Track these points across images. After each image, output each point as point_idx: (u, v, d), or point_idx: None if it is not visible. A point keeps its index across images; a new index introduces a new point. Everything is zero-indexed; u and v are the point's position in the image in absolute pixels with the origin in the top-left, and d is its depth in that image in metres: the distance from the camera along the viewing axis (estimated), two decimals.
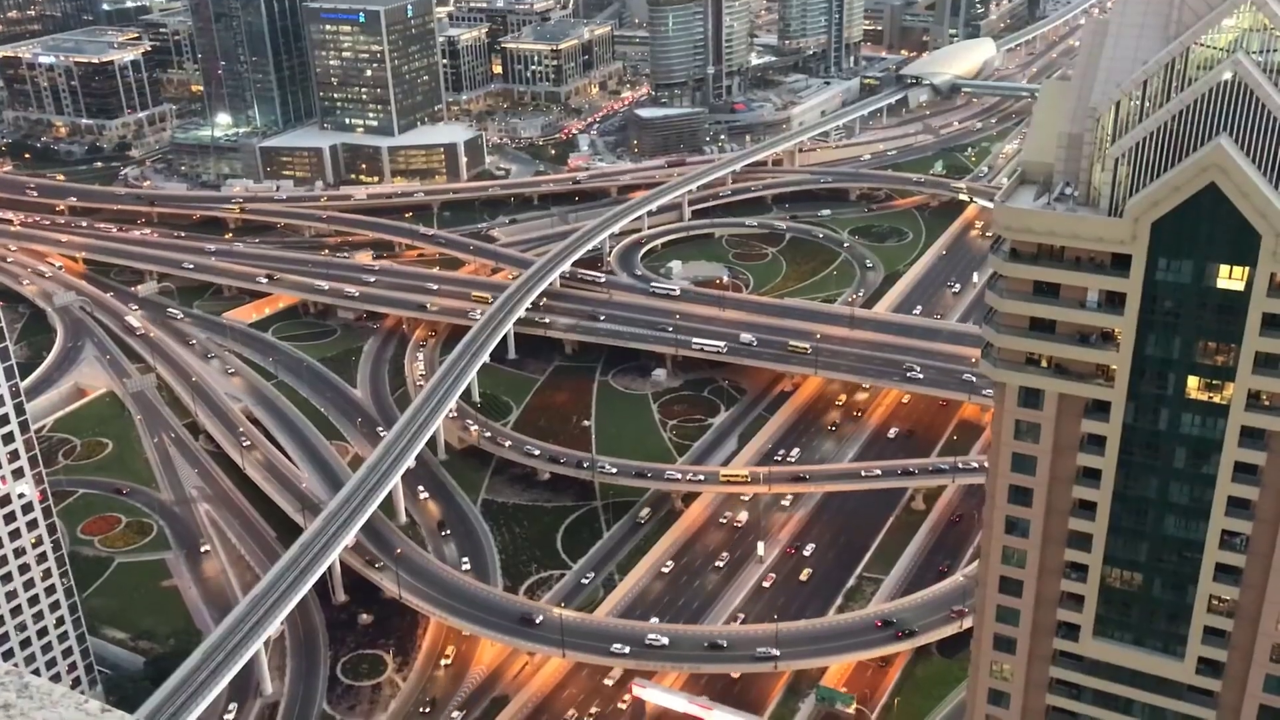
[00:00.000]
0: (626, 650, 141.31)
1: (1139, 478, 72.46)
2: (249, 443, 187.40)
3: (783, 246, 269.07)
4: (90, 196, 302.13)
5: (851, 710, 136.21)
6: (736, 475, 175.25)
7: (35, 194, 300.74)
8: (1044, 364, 72.37)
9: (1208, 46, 64.97)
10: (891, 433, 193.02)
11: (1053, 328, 71.04)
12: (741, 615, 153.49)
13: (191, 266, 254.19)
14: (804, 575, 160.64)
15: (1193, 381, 69.13)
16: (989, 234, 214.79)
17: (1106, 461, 72.22)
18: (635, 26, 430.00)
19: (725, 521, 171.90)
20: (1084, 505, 74.27)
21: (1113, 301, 68.67)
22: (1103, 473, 72.63)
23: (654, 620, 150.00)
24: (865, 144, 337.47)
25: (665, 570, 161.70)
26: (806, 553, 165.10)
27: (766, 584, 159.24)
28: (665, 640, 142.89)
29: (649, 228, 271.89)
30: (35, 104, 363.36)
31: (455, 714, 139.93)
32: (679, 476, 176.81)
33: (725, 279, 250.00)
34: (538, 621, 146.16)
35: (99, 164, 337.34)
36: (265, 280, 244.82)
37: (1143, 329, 68.45)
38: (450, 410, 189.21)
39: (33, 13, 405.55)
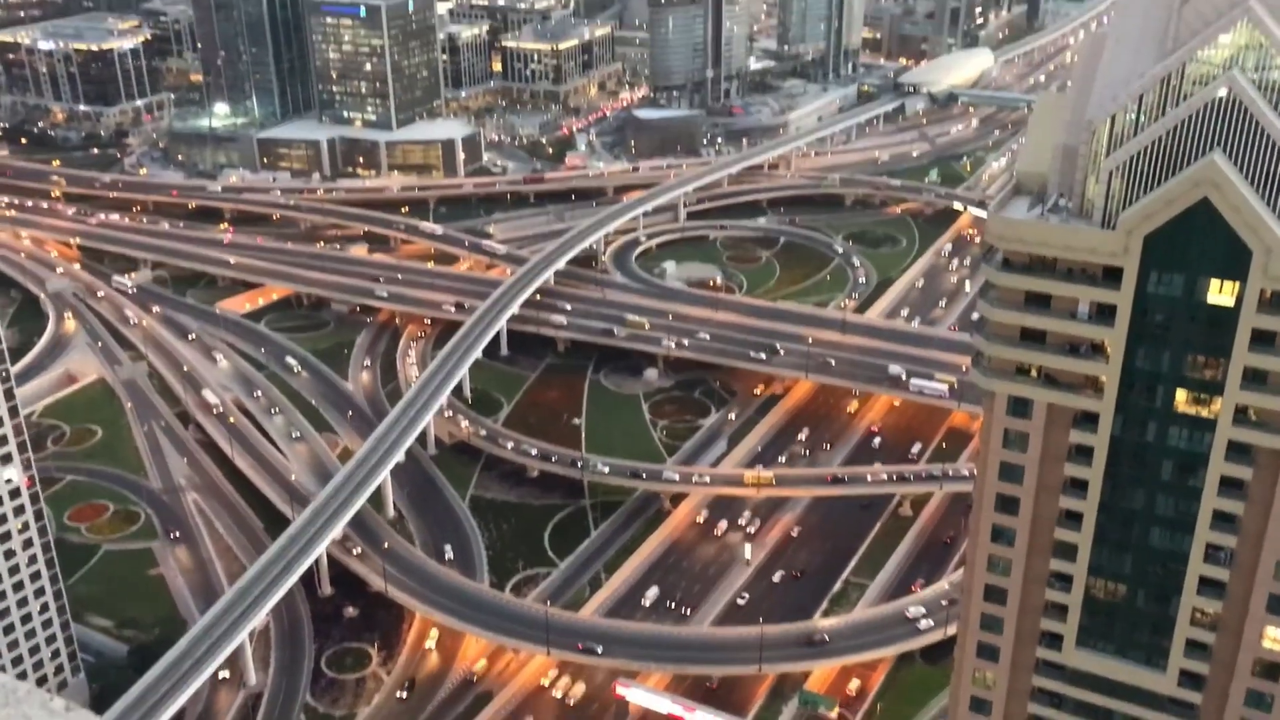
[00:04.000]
0: (603, 650, 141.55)
1: (1125, 490, 72.80)
2: (236, 427, 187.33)
3: (777, 250, 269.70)
4: (76, 182, 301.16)
5: (834, 715, 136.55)
6: (760, 477, 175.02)
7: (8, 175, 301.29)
8: (1034, 374, 72.67)
9: (1204, 63, 65.33)
10: (879, 440, 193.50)
11: (1043, 338, 71.32)
12: (745, 596, 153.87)
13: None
14: (790, 578, 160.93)
15: (1181, 395, 69.47)
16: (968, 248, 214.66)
17: (1093, 472, 72.57)
18: (635, 28, 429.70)
19: (712, 523, 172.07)
20: (1070, 515, 74.60)
21: (1103, 313, 68.99)
22: (1089, 484, 72.97)
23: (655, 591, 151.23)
24: (862, 150, 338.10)
25: (652, 570, 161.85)
26: (793, 556, 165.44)
27: (751, 587, 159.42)
28: (650, 640, 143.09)
29: (645, 228, 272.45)
30: (33, 89, 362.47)
31: (437, 708, 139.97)
32: (675, 478, 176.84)
33: (719, 281, 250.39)
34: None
35: (95, 150, 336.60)
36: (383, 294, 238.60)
37: (1132, 342, 68.78)
38: (442, 405, 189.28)
39: None
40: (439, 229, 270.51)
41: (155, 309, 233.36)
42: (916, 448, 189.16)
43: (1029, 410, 73.23)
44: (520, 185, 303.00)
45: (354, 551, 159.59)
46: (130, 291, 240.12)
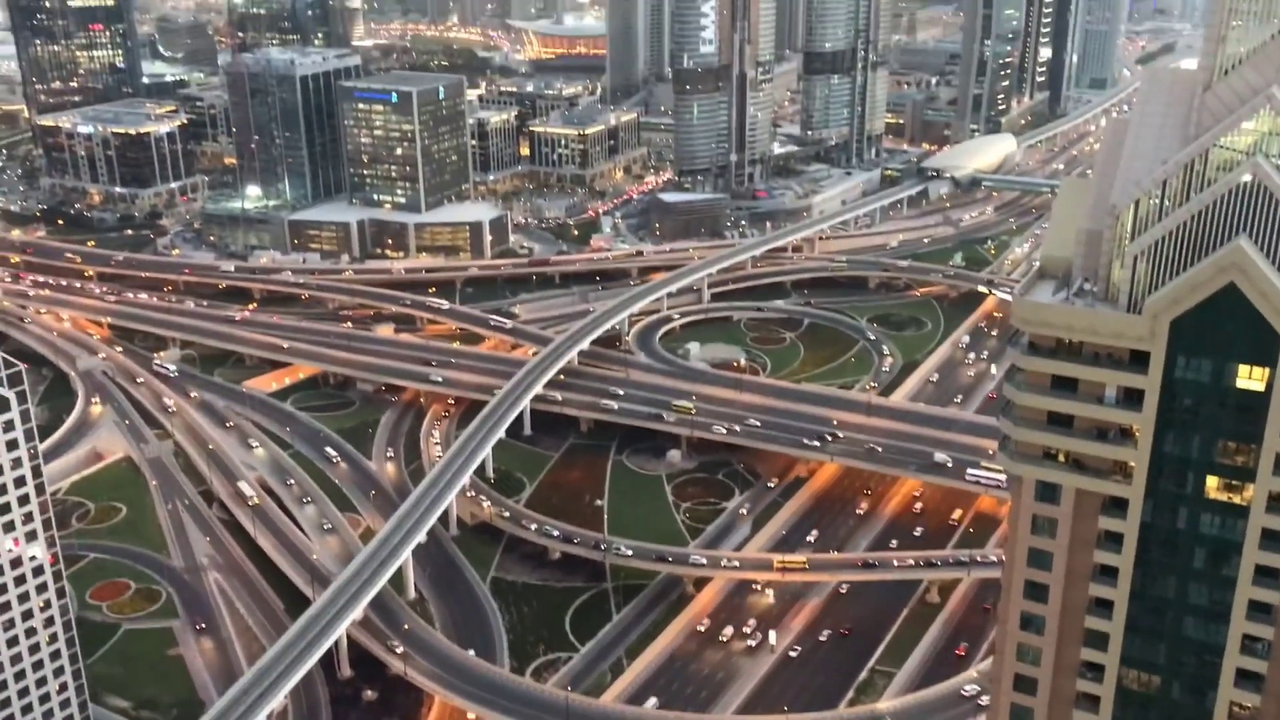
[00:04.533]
0: None
1: (1157, 577, 71.45)
2: (259, 510, 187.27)
3: (801, 331, 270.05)
4: (91, 260, 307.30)
5: None
6: (792, 561, 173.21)
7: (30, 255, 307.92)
8: (1061, 459, 71.91)
9: (1227, 148, 65.60)
10: (907, 523, 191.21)
11: (1070, 422, 70.71)
12: (770, 682, 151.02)
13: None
14: (815, 666, 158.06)
15: (1212, 481, 68.48)
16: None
17: (1124, 559, 71.34)
18: (661, 114, 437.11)
19: (736, 607, 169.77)
20: (1101, 603, 73.17)
21: (1131, 398, 68.42)
22: (1120, 571, 71.68)
23: (653, 702, 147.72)
24: (886, 234, 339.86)
25: (674, 656, 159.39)
26: (819, 641, 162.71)
27: (776, 673, 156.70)
28: None
29: (668, 308, 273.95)
30: (72, 172, 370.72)
31: None
32: (704, 561, 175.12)
33: (743, 362, 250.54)
34: None
35: (129, 231, 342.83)
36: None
37: (1161, 427, 68.06)
38: (464, 486, 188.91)
39: (75, 84, 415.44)
40: (444, 304, 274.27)
41: (193, 394, 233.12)
42: (955, 513, 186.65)
43: (1057, 495, 72.33)
44: (546, 267, 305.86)
45: (380, 640, 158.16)
46: (173, 374, 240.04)
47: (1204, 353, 66.25)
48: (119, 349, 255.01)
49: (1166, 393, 67.35)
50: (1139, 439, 68.89)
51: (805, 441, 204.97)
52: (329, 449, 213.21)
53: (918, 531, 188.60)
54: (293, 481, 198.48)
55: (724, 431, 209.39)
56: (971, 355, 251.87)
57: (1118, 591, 72.12)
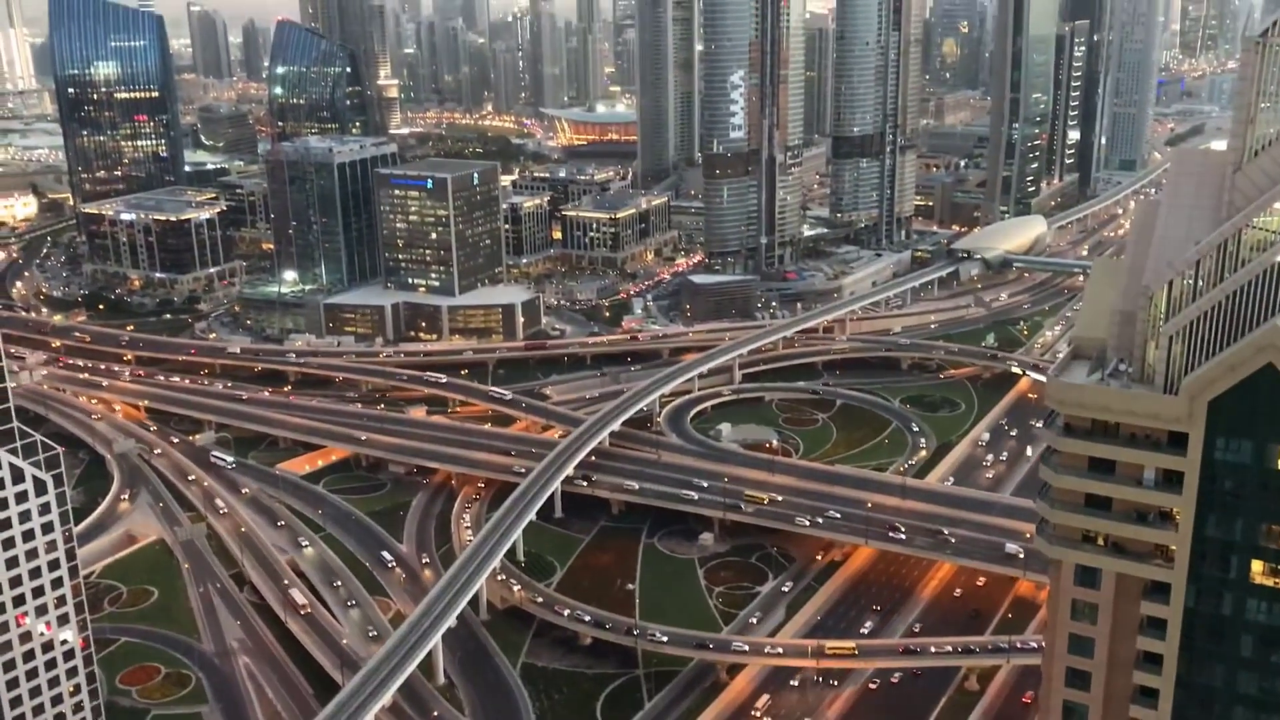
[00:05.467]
0: None
1: (1203, 665, 69.61)
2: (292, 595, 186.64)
3: (833, 413, 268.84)
4: (102, 340, 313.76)
5: None
6: (826, 647, 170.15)
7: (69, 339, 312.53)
8: (1101, 542, 70.73)
9: (1261, 229, 65.45)
10: (944, 608, 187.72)
11: (1109, 505, 69.71)
12: None
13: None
14: None
15: (1257, 565, 67.05)
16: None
17: (1168, 646, 69.62)
18: (691, 197, 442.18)
19: (771, 693, 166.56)
20: (1145, 692, 71.28)
21: (1170, 480, 67.45)
22: (1164, 658, 69.92)
23: None
24: (917, 315, 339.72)
25: None
26: None
27: None
28: None
29: (699, 389, 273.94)
30: (114, 258, 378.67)
31: None
32: (745, 648, 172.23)
33: (775, 443, 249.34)
34: None
35: (168, 316, 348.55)
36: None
37: (1202, 509, 66.93)
38: (495, 569, 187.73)
39: (119, 173, 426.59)
40: (441, 377, 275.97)
41: (243, 488, 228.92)
42: (994, 598, 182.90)
43: (1097, 580, 71.00)
44: (577, 348, 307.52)
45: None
46: (230, 467, 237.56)
47: (1244, 434, 65.37)
48: (153, 429, 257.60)
49: (1206, 475, 66.36)
50: (1180, 522, 67.72)
51: (811, 519, 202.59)
52: (385, 553, 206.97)
53: (956, 616, 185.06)
54: (339, 583, 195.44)
55: (806, 523, 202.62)
56: (990, 457, 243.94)
57: (1163, 680, 70.28)
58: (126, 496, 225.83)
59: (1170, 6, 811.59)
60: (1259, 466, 65.50)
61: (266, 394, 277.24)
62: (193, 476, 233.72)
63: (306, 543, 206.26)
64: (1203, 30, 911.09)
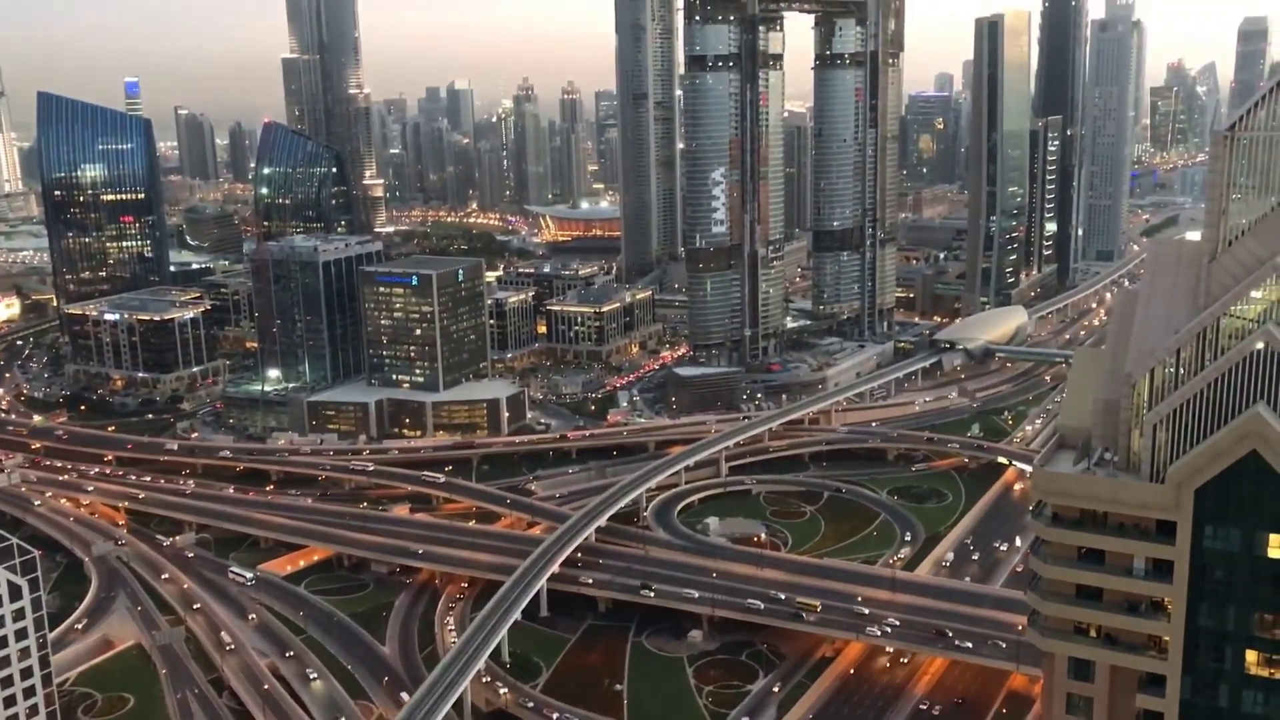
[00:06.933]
0: None
1: None
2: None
3: (821, 505, 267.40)
4: (82, 440, 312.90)
5: None
6: None
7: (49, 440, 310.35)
8: (1093, 634, 69.85)
9: (1238, 317, 66.06)
10: (938, 703, 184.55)
11: (1100, 595, 69.02)
12: None
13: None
14: None
15: (1251, 656, 66.20)
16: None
17: None
18: (675, 291, 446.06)
19: None
20: None
21: (1160, 569, 66.95)
22: None
23: None
24: (901, 405, 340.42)
25: None
26: None
27: None
28: None
29: (685, 483, 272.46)
30: (97, 358, 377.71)
31: None
32: None
33: (763, 536, 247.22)
34: None
35: (150, 415, 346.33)
36: None
37: (1193, 599, 66.30)
38: (479, 670, 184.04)
39: (104, 274, 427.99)
40: (440, 478, 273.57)
41: (255, 616, 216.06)
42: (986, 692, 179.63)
43: (1091, 672, 69.96)
44: (562, 442, 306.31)
45: None
46: (250, 583, 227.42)
47: (1231, 522, 65.11)
48: (128, 530, 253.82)
49: (1196, 564, 65.90)
50: (1172, 612, 66.99)
51: (803, 615, 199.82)
52: (367, 656, 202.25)
53: (949, 712, 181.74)
54: (321, 687, 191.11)
55: (877, 633, 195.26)
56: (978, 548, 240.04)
57: None
58: (104, 600, 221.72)
59: (1140, 102, 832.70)
60: (1248, 554, 65.08)
61: (251, 493, 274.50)
62: (166, 575, 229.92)
63: (291, 652, 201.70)
64: (1172, 125, 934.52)
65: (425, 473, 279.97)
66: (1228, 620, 66.28)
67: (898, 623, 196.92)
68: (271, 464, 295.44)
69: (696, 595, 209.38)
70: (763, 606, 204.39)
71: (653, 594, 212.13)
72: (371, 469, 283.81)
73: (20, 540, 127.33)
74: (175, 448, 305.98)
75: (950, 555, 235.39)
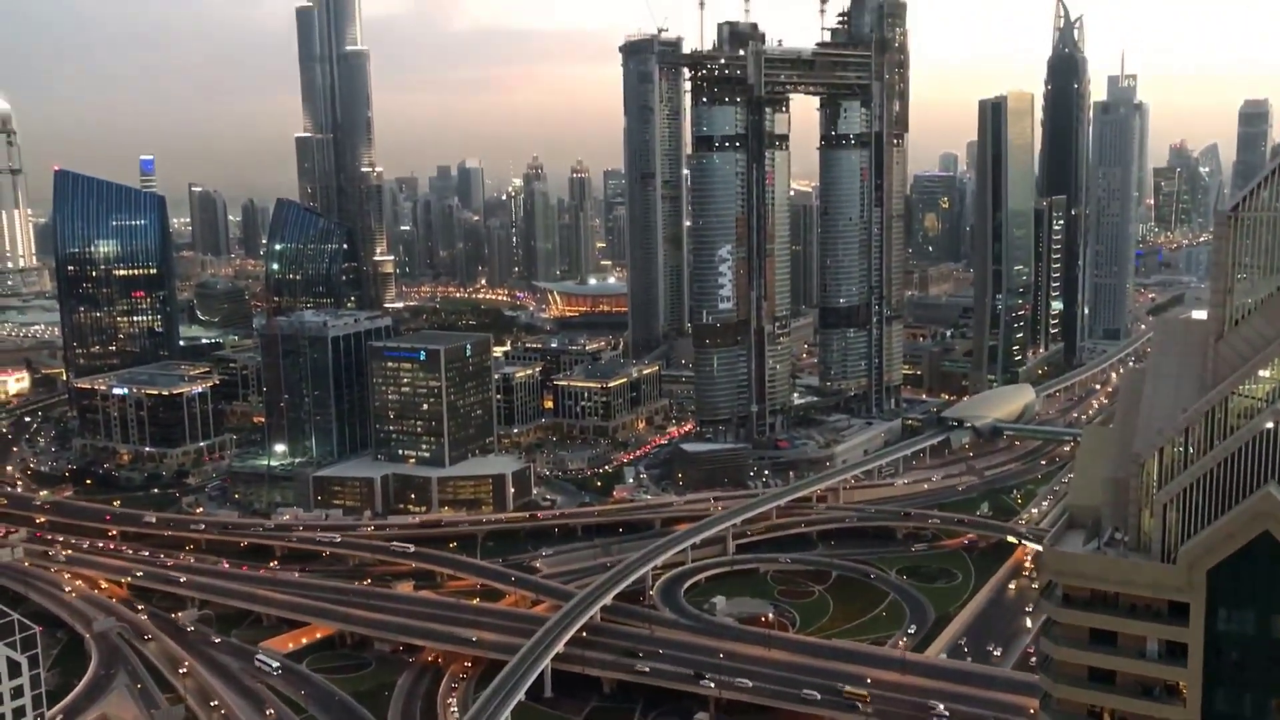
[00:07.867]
0: None
1: None
2: None
3: (829, 585, 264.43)
4: (85, 515, 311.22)
5: None
6: None
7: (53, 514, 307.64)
8: (1107, 718, 68.48)
9: (1246, 396, 65.84)
10: None
11: (1113, 678, 67.80)
12: None
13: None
14: None
15: None
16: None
17: None
18: (681, 366, 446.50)
19: None
20: None
21: (1174, 652, 65.82)
22: None
23: None
24: (909, 483, 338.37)
25: None
26: None
27: None
28: None
29: (692, 561, 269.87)
30: (104, 432, 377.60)
31: None
32: None
33: (771, 616, 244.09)
34: None
35: (155, 490, 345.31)
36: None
37: (1209, 683, 65.07)
38: None
39: (114, 348, 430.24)
40: (410, 547, 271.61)
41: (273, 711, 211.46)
42: None
43: None
44: (568, 519, 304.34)
45: None
46: (275, 671, 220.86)
47: (1246, 604, 64.18)
48: (139, 607, 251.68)
49: (1211, 646, 64.81)
50: (1187, 696, 65.73)
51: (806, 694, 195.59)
52: None
53: None
54: None
55: (817, 696, 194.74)
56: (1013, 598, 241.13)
57: None
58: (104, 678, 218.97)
59: (1144, 182, 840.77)
60: (1264, 637, 64.01)
61: (250, 569, 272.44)
62: (170, 654, 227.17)
63: None
64: (1176, 204, 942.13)
65: (445, 553, 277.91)
66: (1244, 706, 64.95)
67: (908, 705, 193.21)
68: (276, 540, 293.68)
69: (712, 685, 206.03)
70: (819, 697, 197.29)
71: (648, 670, 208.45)
72: (413, 549, 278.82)
73: (21, 616, 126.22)
74: (228, 525, 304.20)
75: (961, 634, 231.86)
